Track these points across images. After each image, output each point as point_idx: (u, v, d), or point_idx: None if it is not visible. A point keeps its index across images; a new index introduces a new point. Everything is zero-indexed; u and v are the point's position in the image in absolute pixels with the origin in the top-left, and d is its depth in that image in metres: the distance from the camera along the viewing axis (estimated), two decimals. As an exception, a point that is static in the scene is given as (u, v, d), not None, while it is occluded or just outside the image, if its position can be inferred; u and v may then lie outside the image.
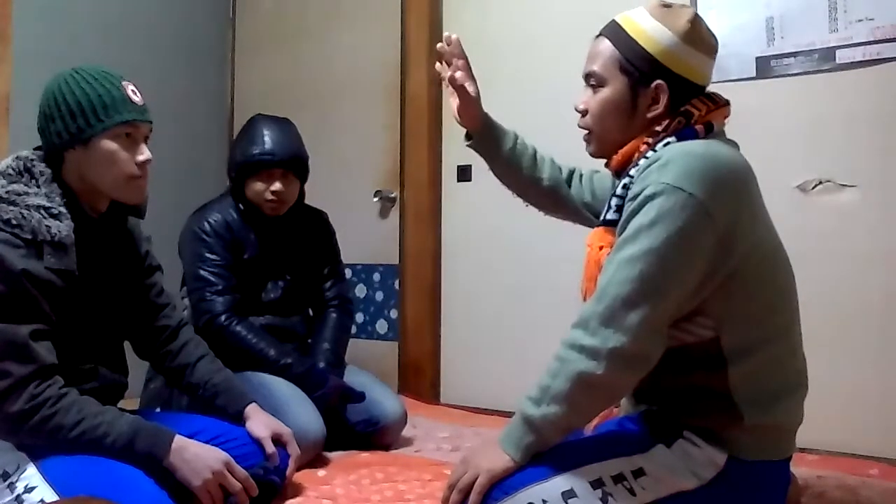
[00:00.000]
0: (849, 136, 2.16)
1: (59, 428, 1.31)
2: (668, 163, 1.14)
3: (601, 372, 1.12)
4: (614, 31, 1.28)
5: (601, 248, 1.24)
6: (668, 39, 1.23)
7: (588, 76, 1.31)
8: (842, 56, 2.18)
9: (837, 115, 2.18)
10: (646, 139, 1.25)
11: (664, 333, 1.15)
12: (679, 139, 1.22)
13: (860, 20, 2.15)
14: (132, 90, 1.45)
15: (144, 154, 1.45)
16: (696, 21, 1.25)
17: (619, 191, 1.25)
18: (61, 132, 1.40)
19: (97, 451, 1.32)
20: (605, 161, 1.34)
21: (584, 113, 1.33)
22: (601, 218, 1.28)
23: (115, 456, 1.32)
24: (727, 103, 1.29)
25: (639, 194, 1.15)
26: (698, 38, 1.24)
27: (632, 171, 1.23)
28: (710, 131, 1.24)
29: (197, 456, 1.38)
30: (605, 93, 1.28)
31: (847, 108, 2.16)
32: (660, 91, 1.24)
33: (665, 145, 1.22)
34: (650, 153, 1.22)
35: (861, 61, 2.14)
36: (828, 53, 2.20)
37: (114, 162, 1.42)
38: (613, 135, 1.29)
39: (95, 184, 1.44)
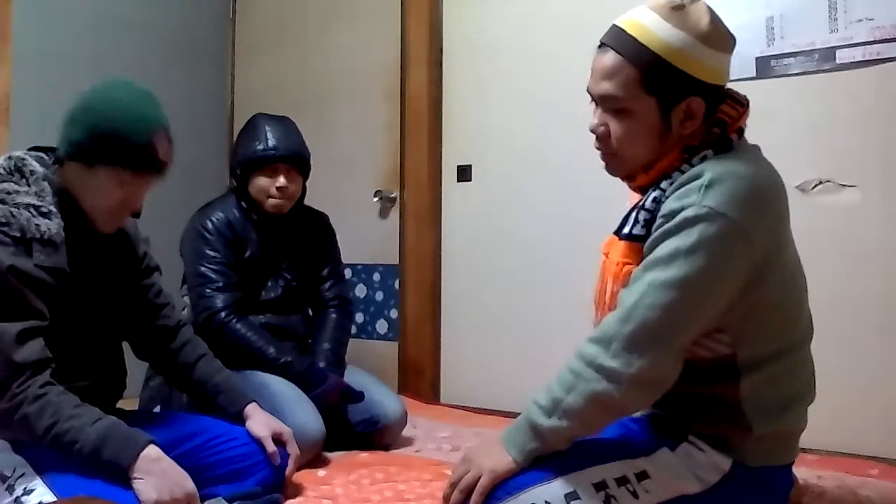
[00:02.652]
0: (849, 136, 2.16)
1: (33, 429, 1.28)
2: (712, 184, 1.07)
3: (619, 395, 1.10)
4: (624, 42, 1.14)
5: (625, 264, 1.17)
6: (693, 47, 1.11)
7: (604, 99, 1.18)
8: (842, 56, 2.18)
9: (837, 115, 2.18)
10: (680, 154, 1.17)
11: (684, 355, 1.13)
12: (716, 151, 1.15)
13: (860, 20, 2.15)
14: (164, 144, 1.41)
15: (136, 205, 1.46)
16: (715, 18, 1.14)
17: (648, 204, 1.16)
18: (73, 143, 1.39)
19: (68, 456, 1.28)
20: (623, 176, 1.25)
21: (604, 136, 1.20)
22: (625, 230, 1.19)
23: (83, 463, 1.27)
24: (748, 102, 1.21)
25: (675, 213, 1.09)
26: (721, 36, 1.14)
27: (663, 185, 1.15)
28: (741, 136, 1.19)
29: (164, 473, 1.30)
30: (633, 119, 1.15)
31: (847, 108, 2.16)
32: (695, 107, 1.14)
33: (702, 158, 1.14)
34: (684, 166, 1.15)
35: (861, 61, 2.14)
36: (828, 53, 2.20)
37: (105, 195, 1.41)
38: (641, 157, 1.18)
39: (79, 199, 1.43)
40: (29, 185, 1.39)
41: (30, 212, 1.35)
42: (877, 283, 2.11)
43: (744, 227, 1.06)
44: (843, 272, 2.14)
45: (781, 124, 2.24)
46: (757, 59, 2.30)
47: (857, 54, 2.15)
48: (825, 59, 2.20)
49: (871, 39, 2.13)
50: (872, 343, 2.11)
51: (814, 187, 2.21)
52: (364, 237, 3.07)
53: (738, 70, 2.32)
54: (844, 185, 2.16)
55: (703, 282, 1.07)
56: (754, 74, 2.31)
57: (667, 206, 1.11)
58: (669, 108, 1.15)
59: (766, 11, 2.29)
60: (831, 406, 1.98)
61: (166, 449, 1.35)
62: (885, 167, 2.11)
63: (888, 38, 2.11)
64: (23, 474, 1.30)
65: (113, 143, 1.37)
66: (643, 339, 1.08)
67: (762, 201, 1.10)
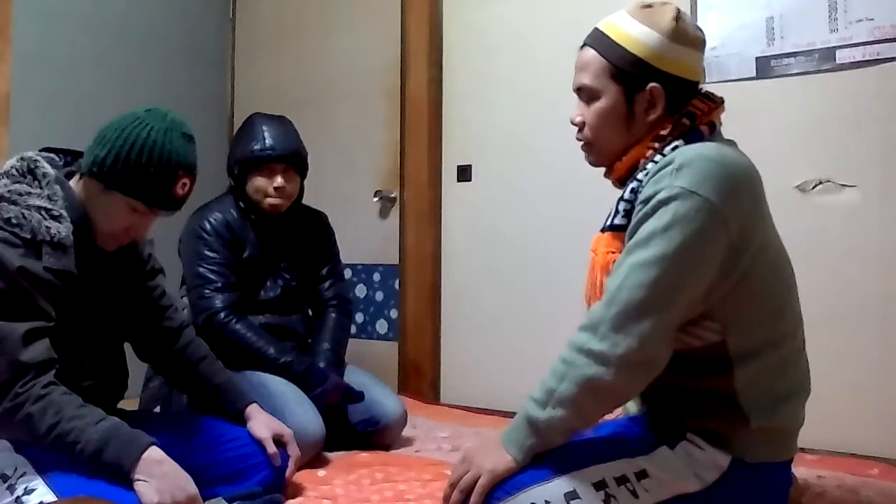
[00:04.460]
0: (849, 136, 2.16)
1: (36, 429, 1.28)
2: (682, 166, 1.13)
3: (609, 378, 1.11)
4: (599, 40, 1.27)
5: (609, 253, 1.21)
6: (656, 40, 1.22)
7: (579, 89, 1.30)
8: (842, 56, 2.18)
9: (837, 115, 2.18)
10: (651, 144, 1.23)
11: (673, 338, 1.14)
12: (687, 142, 1.21)
13: (860, 20, 2.15)
14: (183, 184, 1.43)
15: (142, 233, 1.48)
16: (680, 17, 1.24)
17: (626, 195, 1.22)
18: (97, 162, 1.39)
19: (70, 455, 1.28)
20: (605, 170, 1.32)
21: (580, 126, 1.31)
22: (607, 222, 1.25)
23: (85, 464, 1.28)
24: (723, 101, 1.29)
25: (651, 198, 1.14)
26: (684, 34, 1.23)
27: (639, 176, 1.21)
28: (713, 130, 1.24)
29: (166, 475, 1.29)
30: (600, 104, 1.26)
31: (847, 108, 2.16)
32: (655, 94, 1.23)
33: (673, 149, 1.20)
34: (658, 157, 1.21)
35: (861, 61, 2.15)
36: (828, 53, 2.20)
37: (114, 219, 1.43)
38: (613, 144, 1.27)
39: (89, 212, 1.44)
40: (41, 188, 1.39)
41: (41, 214, 1.35)
42: (876, 283, 2.11)
43: (716, 203, 1.10)
44: (843, 272, 2.14)
45: (781, 124, 2.25)
46: (757, 59, 2.30)
47: (857, 54, 2.15)
48: (825, 59, 2.20)
49: (871, 39, 2.13)
50: (872, 343, 2.11)
51: (814, 187, 2.21)
52: (364, 237, 3.07)
53: (738, 70, 2.33)
54: (844, 185, 2.16)
55: (681, 257, 1.10)
56: (754, 74, 2.31)
57: (644, 194, 1.16)
58: (632, 95, 1.24)
59: (766, 11, 2.30)
60: (831, 406, 1.98)
61: (167, 449, 1.35)
62: (885, 167, 2.11)
63: (888, 38, 2.11)
64: (24, 474, 1.31)
65: (134, 176, 1.37)
66: (629, 319, 1.11)
67: (732, 181, 1.13)
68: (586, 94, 1.28)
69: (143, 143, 1.37)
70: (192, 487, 1.32)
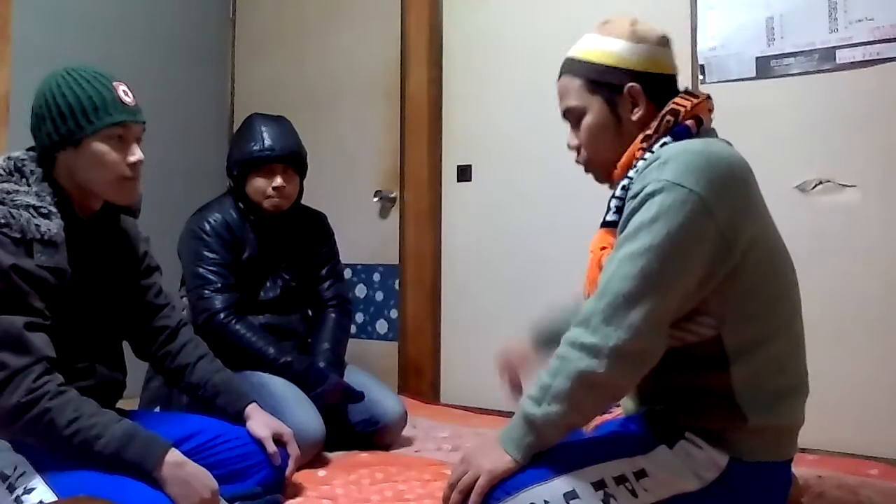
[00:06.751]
0: (849, 136, 2.16)
1: (53, 424, 1.27)
2: (668, 161, 1.15)
3: (602, 370, 1.11)
4: (570, 65, 1.33)
5: (603, 248, 1.23)
6: (619, 45, 1.28)
7: (566, 113, 1.34)
8: (842, 56, 2.18)
9: (837, 115, 2.18)
10: (640, 144, 1.25)
11: (666, 331, 1.15)
12: (674, 138, 1.23)
13: (860, 20, 2.15)
14: (124, 91, 1.44)
15: (136, 155, 1.44)
16: (636, 21, 1.30)
17: (618, 192, 1.25)
18: (52, 133, 1.40)
19: (88, 453, 1.28)
20: (606, 179, 1.34)
21: (577, 149, 1.34)
22: (602, 220, 1.27)
23: (104, 461, 1.28)
24: (708, 97, 1.31)
25: (639, 193, 1.16)
26: (643, 34, 1.28)
27: (630, 174, 1.24)
28: (701, 125, 1.25)
29: (191, 476, 1.32)
30: (588, 120, 1.30)
31: (847, 108, 2.17)
32: (633, 92, 1.26)
33: (661, 146, 1.22)
34: (647, 155, 1.23)
35: (861, 61, 2.15)
36: (828, 53, 2.20)
37: (104, 164, 1.41)
38: (610, 154, 1.30)
39: (87, 185, 1.43)
40: (29, 185, 1.39)
41: (30, 213, 1.35)
42: (876, 283, 2.11)
43: (700, 194, 1.11)
44: (843, 272, 2.14)
45: (781, 124, 2.25)
46: (757, 59, 2.30)
47: (857, 54, 2.15)
48: (825, 59, 2.20)
49: (871, 39, 2.13)
50: (872, 343, 2.11)
51: (814, 187, 2.21)
52: (364, 237, 3.07)
53: (738, 70, 2.33)
54: (844, 185, 2.16)
55: (668, 247, 1.11)
56: (754, 74, 2.31)
57: (632, 190, 1.19)
58: (614, 102, 1.28)
59: (766, 11, 2.30)
60: (831, 406, 1.98)
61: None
62: (885, 167, 2.11)
63: (888, 38, 2.11)
64: (23, 473, 1.30)
65: (83, 111, 1.39)
66: (619, 311, 1.12)
67: (718, 173, 1.14)
68: (574, 115, 1.33)
69: (66, 87, 1.41)
70: (213, 482, 1.34)
